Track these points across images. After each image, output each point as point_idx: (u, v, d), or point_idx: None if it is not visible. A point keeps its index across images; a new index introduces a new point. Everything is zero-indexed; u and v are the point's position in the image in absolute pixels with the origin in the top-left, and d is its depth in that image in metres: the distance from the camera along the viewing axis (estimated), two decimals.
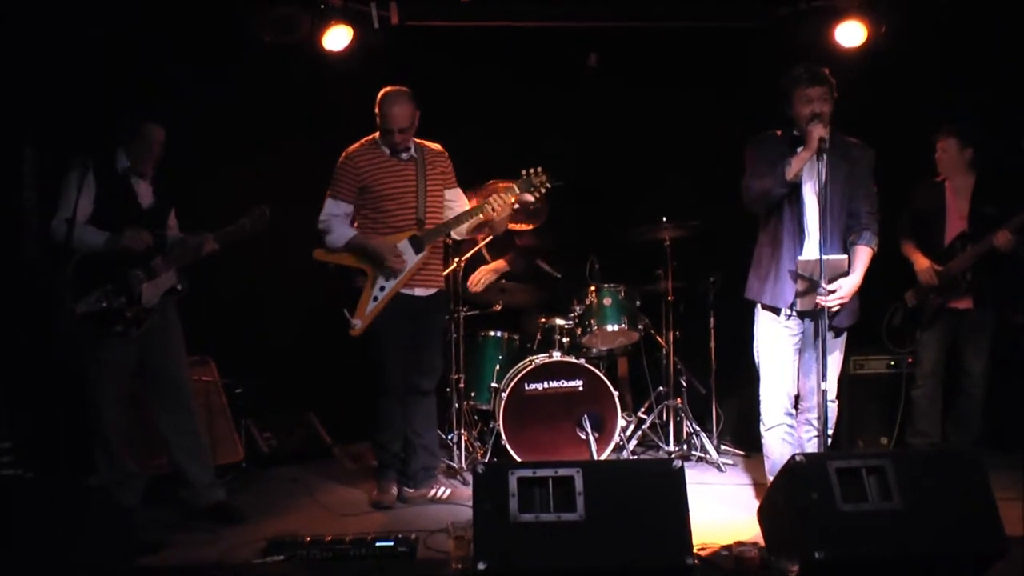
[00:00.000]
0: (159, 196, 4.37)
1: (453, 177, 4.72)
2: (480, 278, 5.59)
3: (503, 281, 5.63)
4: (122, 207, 4.20)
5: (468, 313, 5.41)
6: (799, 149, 4.04)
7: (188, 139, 5.09)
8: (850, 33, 5.50)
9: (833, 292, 3.96)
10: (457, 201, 4.71)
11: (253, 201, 4.42)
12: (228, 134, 5.54)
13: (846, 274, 4.05)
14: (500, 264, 5.66)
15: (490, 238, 5.36)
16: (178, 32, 5.23)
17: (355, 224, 4.59)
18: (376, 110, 4.48)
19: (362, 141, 4.58)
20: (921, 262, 5.04)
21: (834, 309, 4.02)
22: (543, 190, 4.60)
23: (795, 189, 4.11)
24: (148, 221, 4.26)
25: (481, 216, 4.59)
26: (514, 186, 4.58)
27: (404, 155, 4.56)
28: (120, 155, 4.25)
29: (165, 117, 4.33)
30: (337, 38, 5.41)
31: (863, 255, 4.12)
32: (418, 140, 4.62)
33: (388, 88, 4.51)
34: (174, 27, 5.21)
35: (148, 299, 4.19)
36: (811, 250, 4.09)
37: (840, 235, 4.13)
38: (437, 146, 4.70)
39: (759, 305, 4.27)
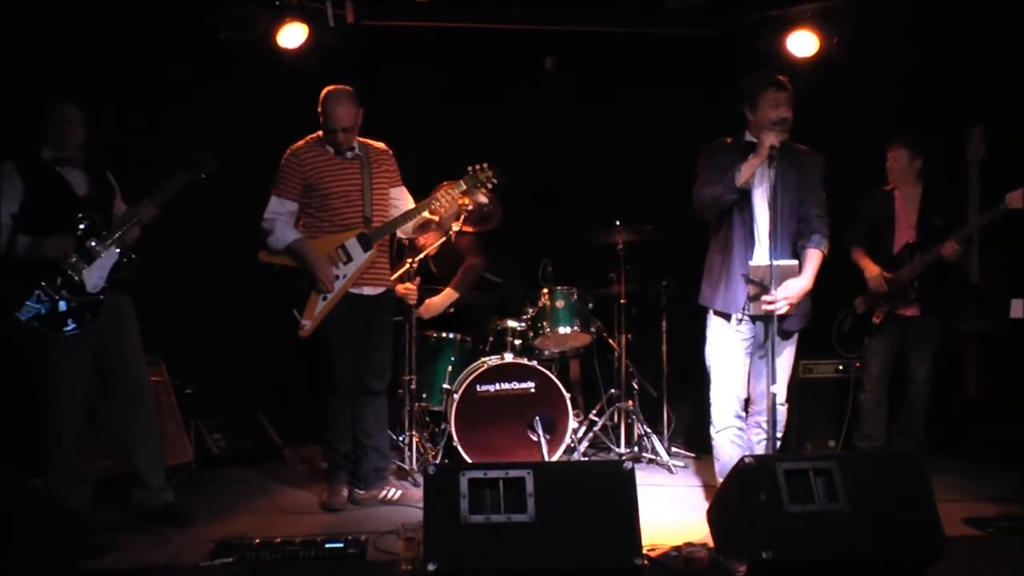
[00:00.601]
0: (97, 183, 4.21)
1: (398, 176, 4.71)
2: (432, 310, 5.56)
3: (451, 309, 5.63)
4: (57, 200, 4.06)
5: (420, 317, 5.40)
6: (750, 156, 4.10)
7: (133, 136, 5.06)
8: (803, 43, 5.60)
9: (777, 299, 4.00)
10: (402, 200, 4.70)
11: (202, 198, 4.34)
12: (176, 131, 5.46)
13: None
14: (450, 294, 5.62)
15: (442, 240, 5.34)
16: (131, 26, 5.17)
17: (301, 223, 4.54)
18: (319, 109, 4.46)
19: (307, 139, 4.55)
20: (871, 269, 5.13)
21: (783, 311, 4.06)
22: (490, 186, 4.62)
23: (745, 196, 4.16)
24: (88, 208, 4.11)
25: (427, 213, 4.59)
26: (461, 183, 4.58)
27: (348, 154, 4.54)
28: (44, 147, 4.10)
29: (78, 97, 4.18)
30: (292, 36, 5.40)
31: (812, 257, 4.17)
32: (362, 139, 4.61)
33: (331, 87, 4.48)
34: (128, 21, 5.14)
35: (93, 284, 4.07)
36: (761, 256, 4.15)
37: (790, 241, 4.18)
38: (381, 145, 4.68)
39: (711, 310, 4.32)
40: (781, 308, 4.03)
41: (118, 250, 4.15)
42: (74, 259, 4.03)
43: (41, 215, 4.02)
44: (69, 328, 4.01)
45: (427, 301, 5.52)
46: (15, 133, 4.24)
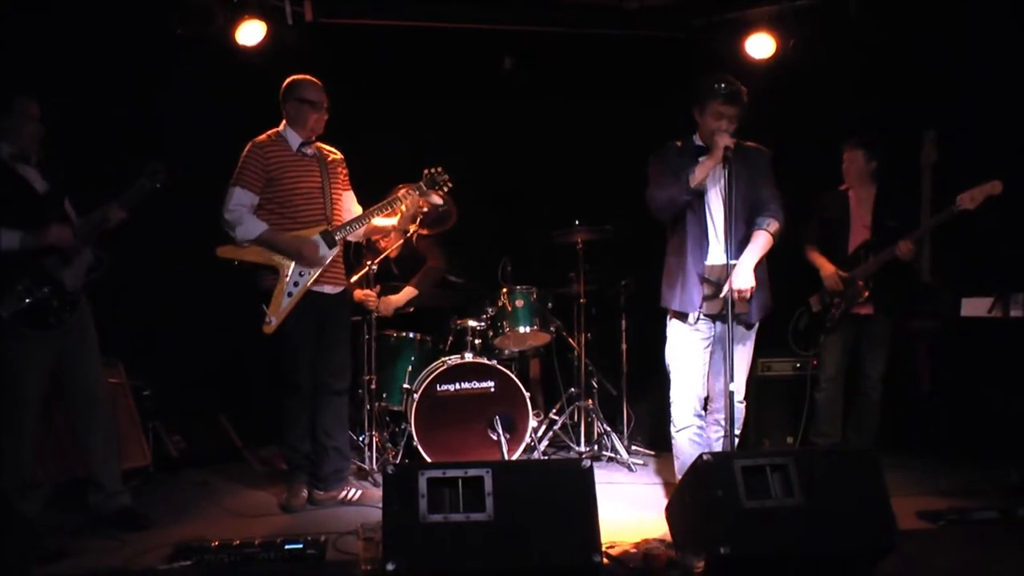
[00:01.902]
0: (51, 182, 4.14)
1: (348, 182, 4.75)
2: (391, 305, 5.56)
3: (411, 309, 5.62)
4: (17, 197, 3.98)
5: (380, 314, 5.38)
6: (702, 158, 4.13)
7: (89, 131, 4.98)
8: (760, 45, 5.66)
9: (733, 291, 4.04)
10: (351, 205, 4.72)
11: (159, 197, 4.29)
12: (136, 128, 5.41)
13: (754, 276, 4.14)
14: (410, 291, 5.63)
15: (400, 242, 5.34)
16: (85, 21, 5.10)
17: (259, 218, 4.49)
18: (292, 97, 4.47)
19: (268, 133, 4.53)
20: (827, 268, 5.19)
21: (742, 292, 4.07)
22: (446, 188, 4.66)
23: (698, 196, 4.20)
24: (48, 207, 4.05)
25: (397, 207, 4.60)
26: (420, 184, 4.62)
27: (308, 151, 4.54)
28: (1, 143, 4.01)
29: (36, 91, 4.09)
30: (251, 33, 5.37)
31: (757, 237, 4.18)
32: (317, 144, 4.62)
33: (306, 76, 4.51)
34: (82, 15, 5.08)
35: (71, 283, 4.04)
36: (716, 255, 4.19)
37: (745, 239, 4.21)
38: (335, 150, 4.70)
39: (670, 311, 4.35)
40: (741, 289, 4.05)
41: (90, 252, 4.12)
42: (54, 258, 3.99)
43: (4, 213, 3.90)
44: (51, 327, 3.96)
45: (386, 297, 5.51)
46: None
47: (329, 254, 4.48)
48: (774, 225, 4.20)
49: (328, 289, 4.55)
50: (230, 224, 4.40)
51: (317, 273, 4.45)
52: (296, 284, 4.43)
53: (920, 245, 5.00)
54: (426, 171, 4.65)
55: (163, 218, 4.78)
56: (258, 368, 5.03)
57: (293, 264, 4.42)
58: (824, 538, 3.25)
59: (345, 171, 4.71)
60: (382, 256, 5.32)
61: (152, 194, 4.17)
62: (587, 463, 3.31)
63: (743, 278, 4.08)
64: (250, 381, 5.67)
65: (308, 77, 4.53)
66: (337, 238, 4.50)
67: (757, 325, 4.33)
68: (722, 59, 5.54)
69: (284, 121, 4.54)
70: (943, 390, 5.56)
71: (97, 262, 4.15)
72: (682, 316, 4.28)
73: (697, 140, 4.26)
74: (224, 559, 3.59)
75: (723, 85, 4.14)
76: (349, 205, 4.71)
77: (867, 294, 5.06)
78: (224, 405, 5.88)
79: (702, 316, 4.25)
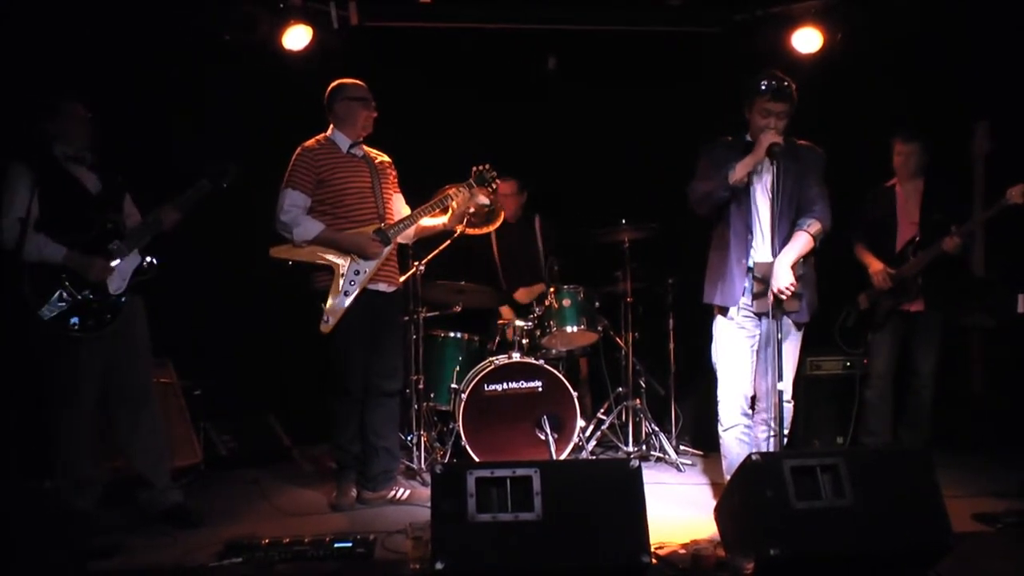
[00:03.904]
0: (107, 182, 4.22)
1: (397, 184, 4.78)
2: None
3: (463, 283, 5.63)
4: (71, 199, 4.06)
5: (428, 314, 5.41)
6: (747, 156, 4.10)
7: (143, 136, 5.05)
8: (806, 40, 5.59)
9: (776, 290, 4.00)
10: (400, 207, 4.75)
11: (212, 199, 4.34)
12: (182, 133, 5.48)
13: (799, 276, 4.10)
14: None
15: (445, 244, 5.36)
16: (137, 28, 5.18)
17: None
18: (341, 97, 4.52)
19: (317, 138, 4.58)
20: (875, 265, 5.12)
21: (787, 290, 4.02)
22: (495, 185, 4.68)
23: (744, 193, 4.16)
24: (101, 208, 4.13)
25: (452, 204, 4.61)
26: (470, 181, 4.63)
27: (358, 152, 4.58)
28: (54, 145, 4.09)
29: (81, 96, 4.18)
30: (297, 37, 5.41)
31: (796, 238, 4.12)
32: (365, 147, 4.66)
33: (354, 80, 4.55)
34: (134, 23, 5.16)
35: (115, 286, 4.09)
36: (762, 252, 4.15)
37: (790, 237, 4.15)
38: (384, 155, 4.74)
39: (716, 309, 4.32)
40: (785, 287, 4.00)
41: (138, 254, 4.18)
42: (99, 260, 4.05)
43: (56, 215, 4.00)
44: (90, 328, 4.02)
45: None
46: (19, 131, 4.21)
47: (384, 252, 4.51)
48: (815, 226, 4.14)
49: (383, 287, 4.57)
50: (286, 226, 4.43)
51: (373, 271, 4.48)
52: (352, 283, 4.45)
53: (970, 239, 4.90)
54: (475, 168, 4.65)
55: (213, 218, 4.85)
56: (306, 368, 5.06)
57: (348, 262, 4.45)
58: (876, 540, 3.20)
59: (394, 173, 4.75)
60: (428, 258, 5.33)
61: (213, 195, 4.22)
62: (636, 463, 3.29)
63: (781, 277, 4.03)
64: (299, 381, 5.72)
65: (353, 80, 4.58)
66: (391, 235, 4.52)
67: (804, 324, 4.29)
68: (766, 54, 5.49)
69: (332, 125, 4.59)
70: (996, 388, 5.45)
71: (147, 265, 4.21)
72: (725, 312, 4.25)
73: (748, 137, 4.22)
74: (274, 557, 3.62)
75: (772, 82, 4.09)
76: (399, 207, 4.73)
77: (916, 291, 4.98)
78: (273, 405, 5.94)
79: (748, 313, 4.21)
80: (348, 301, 4.43)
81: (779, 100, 4.08)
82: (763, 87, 4.09)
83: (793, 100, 4.11)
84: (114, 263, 4.09)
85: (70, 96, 4.16)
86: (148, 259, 4.20)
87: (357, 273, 4.46)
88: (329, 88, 4.59)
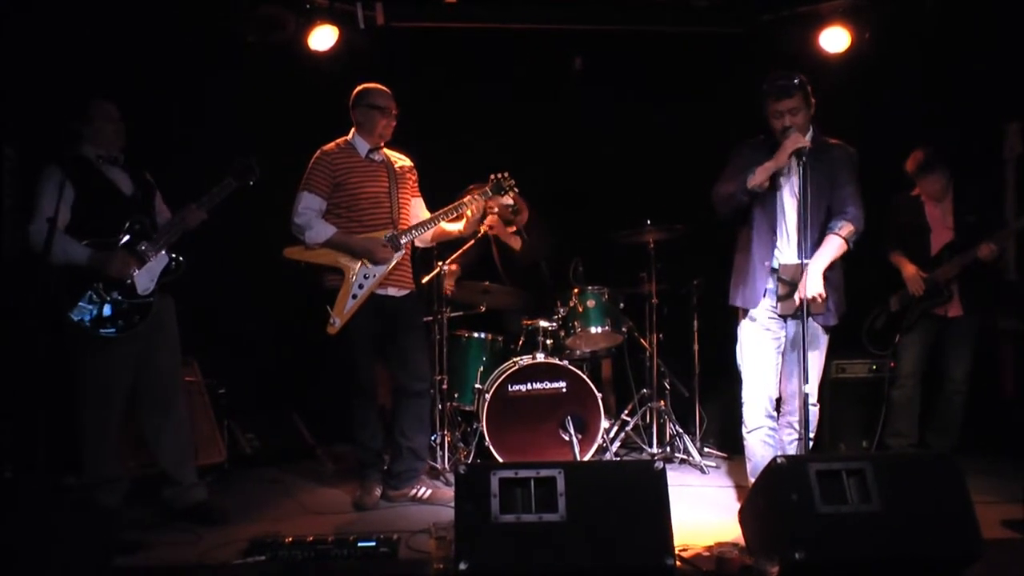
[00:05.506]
0: (138, 181, 4.25)
1: (418, 188, 4.78)
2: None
3: (487, 283, 5.63)
4: (104, 200, 4.09)
5: (451, 315, 5.41)
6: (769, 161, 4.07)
7: (170, 136, 5.08)
8: (834, 39, 5.55)
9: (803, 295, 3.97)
10: (420, 211, 4.75)
11: (233, 198, 4.34)
12: (208, 133, 5.51)
13: (825, 278, 4.06)
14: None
15: (470, 244, 5.36)
16: (163, 29, 5.21)
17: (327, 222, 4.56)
18: (361, 104, 4.52)
19: (337, 141, 4.60)
20: (908, 269, 5.09)
21: (818, 297, 3.99)
22: (512, 193, 4.68)
23: (770, 194, 4.13)
24: (134, 208, 4.16)
25: (467, 212, 4.61)
26: (487, 189, 4.63)
27: (376, 157, 4.58)
28: (85, 146, 4.13)
29: (109, 97, 4.20)
30: (323, 38, 5.43)
31: (827, 241, 4.09)
32: (386, 150, 4.66)
33: (376, 84, 4.56)
34: (160, 24, 5.19)
35: (143, 287, 4.11)
36: (788, 254, 4.12)
37: (820, 240, 4.13)
38: (406, 158, 4.74)
39: (741, 311, 4.29)
40: (813, 293, 3.97)
41: (166, 254, 4.20)
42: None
43: (90, 216, 4.04)
44: (119, 329, 4.04)
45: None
46: (52, 133, 4.26)
47: (395, 257, 4.51)
48: (847, 228, 4.10)
49: (393, 292, 4.58)
50: (300, 228, 4.47)
51: (382, 276, 4.50)
52: (361, 286, 4.47)
53: (1004, 245, 4.85)
54: (492, 176, 4.65)
55: (238, 217, 4.88)
56: (329, 367, 5.08)
57: (359, 266, 4.48)
58: (903, 545, 3.17)
59: (415, 177, 4.75)
60: (452, 258, 5.34)
61: (238, 192, 4.24)
62: (660, 465, 3.28)
63: (812, 285, 3.99)
64: (322, 380, 5.74)
65: (378, 85, 4.59)
66: (403, 241, 4.53)
67: (829, 331, 4.25)
68: (793, 55, 5.45)
69: (353, 129, 4.61)
70: None
71: (174, 264, 4.23)
72: (749, 313, 4.22)
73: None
74: (298, 555, 3.63)
75: (771, 82, 4.08)
76: (417, 211, 4.74)
77: (948, 295, 4.94)
78: (296, 403, 5.97)
79: (773, 315, 4.18)
80: (355, 304, 4.45)
81: (782, 97, 4.05)
82: (764, 89, 4.09)
83: (803, 90, 4.06)
84: (143, 266, 4.11)
85: (101, 97, 4.20)
86: (176, 257, 4.22)
87: (366, 277, 4.48)
88: (354, 92, 4.60)
